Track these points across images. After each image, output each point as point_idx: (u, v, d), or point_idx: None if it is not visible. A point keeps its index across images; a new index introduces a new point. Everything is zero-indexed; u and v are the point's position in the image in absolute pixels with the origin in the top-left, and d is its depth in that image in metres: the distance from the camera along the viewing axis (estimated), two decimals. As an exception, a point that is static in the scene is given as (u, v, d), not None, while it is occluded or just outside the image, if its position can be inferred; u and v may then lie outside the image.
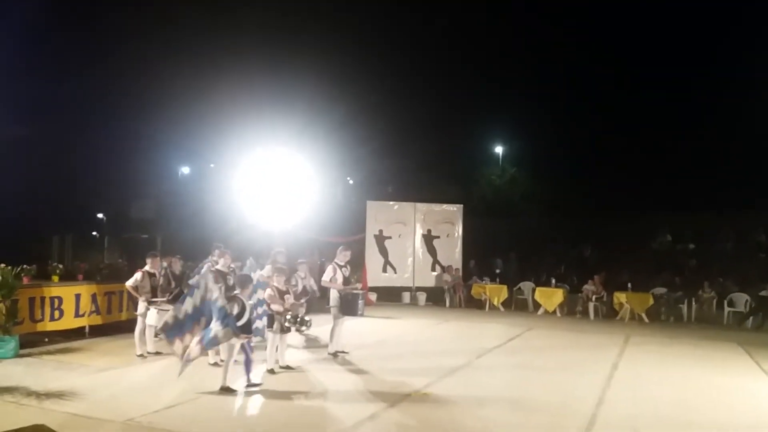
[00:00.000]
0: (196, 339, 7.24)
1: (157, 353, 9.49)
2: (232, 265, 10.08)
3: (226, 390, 7.33)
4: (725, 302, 15.94)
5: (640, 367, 9.69)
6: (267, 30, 25.56)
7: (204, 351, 7.50)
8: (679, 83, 27.72)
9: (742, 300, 15.80)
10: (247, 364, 7.60)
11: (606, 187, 26.88)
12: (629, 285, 16.60)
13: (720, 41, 26.88)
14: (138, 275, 9.66)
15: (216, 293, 7.33)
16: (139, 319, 9.59)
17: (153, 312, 9.34)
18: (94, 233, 32.79)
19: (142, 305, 9.54)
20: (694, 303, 16.23)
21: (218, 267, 9.09)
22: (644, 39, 28.77)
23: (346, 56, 28.21)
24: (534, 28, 30.55)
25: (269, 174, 11.62)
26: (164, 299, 9.76)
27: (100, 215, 35.43)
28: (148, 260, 9.92)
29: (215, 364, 8.71)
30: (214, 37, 24.63)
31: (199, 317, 7.29)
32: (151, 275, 9.75)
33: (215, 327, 7.17)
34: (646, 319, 15.77)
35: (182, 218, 18.98)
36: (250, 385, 7.55)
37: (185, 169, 35.02)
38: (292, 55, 24.40)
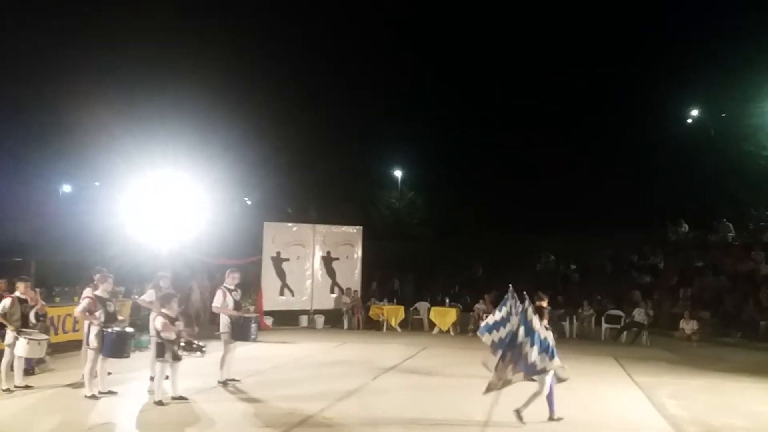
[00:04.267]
0: (518, 367, 7.19)
1: (27, 387, 8.73)
2: (117, 289, 9.51)
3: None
4: (603, 319, 17.11)
5: (526, 383, 10.13)
6: (157, 44, 24.57)
7: (526, 377, 7.36)
8: (563, 116, 29.72)
9: (617, 317, 17.03)
10: (552, 395, 7.50)
11: (496, 211, 28.20)
12: (517, 304, 17.39)
13: (606, 77, 29.17)
14: (6, 302, 8.85)
15: (537, 323, 7.30)
16: (7, 350, 8.76)
17: (23, 342, 8.57)
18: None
19: (10, 335, 8.71)
20: (575, 320, 17.28)
21: (98, 293, 8.50)
22: (536, 72, 30.72)
23: (243, 75, 27.76)
24: (436, 55, 31.72)
25: (158, 194, 11.11)
26: (36, 329, 9.01)
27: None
28: (19, 285, 9.13)
29: (93, 396, 8.14)
30: (97, 52, 23.23)
31: (513, 345, 7.28)
32: (22, 302, 8.97)
33: (541, 360, 7.18)
34: (533, 336, 16.55)
35: (61, 240, 17.58)
36: (554, 418, 7.45)
37: (66, 188, 32.71)
38: (184, 71, 23.60)
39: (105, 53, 23.74)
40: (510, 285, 9.70)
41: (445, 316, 17.55)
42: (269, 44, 29.96)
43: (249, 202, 31.76)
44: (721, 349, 14.60)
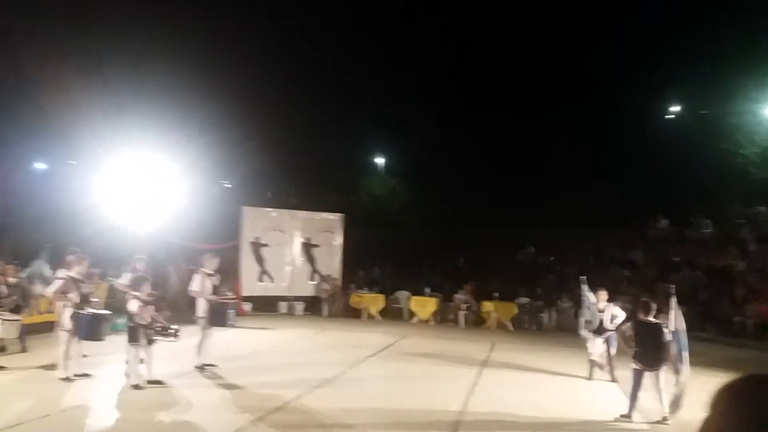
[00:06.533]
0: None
1: (0, 368, 8.55)
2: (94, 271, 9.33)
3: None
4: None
5: (502, 373, 10.20)
6: (134, 19, 23.92)
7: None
8: (548, 113, 29.78)
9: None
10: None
11: (478, 202, 28.27)
12: (496, 294, 17.50)
13: (590, 74, 29.28)
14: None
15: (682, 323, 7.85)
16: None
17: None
18: None
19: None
20: (553, 312, 17.41)
21: (72, 274, 8.31)
22: (523, 69, 30.78)
23: (223, 55, 27.27)
24: (426, 45, 31.46)
25: (136, 174, 10.88)
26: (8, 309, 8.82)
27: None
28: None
29: (66, 378, 7.99)
30: (71, 25, 22.45)
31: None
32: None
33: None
34: (511, 327, 16.67)
35: (34, 220, 17.17)
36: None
37: (40, 165, 32.01)
38: (162, 49, 23.01)
39: (79, 28, 23.09)
40: (673, 286, 9.52)
41: (425, 305, 17.57)
42: (252, 25, 29.48)
43: (228, 186, 31.35)
44: (695, 343, 14.77)
